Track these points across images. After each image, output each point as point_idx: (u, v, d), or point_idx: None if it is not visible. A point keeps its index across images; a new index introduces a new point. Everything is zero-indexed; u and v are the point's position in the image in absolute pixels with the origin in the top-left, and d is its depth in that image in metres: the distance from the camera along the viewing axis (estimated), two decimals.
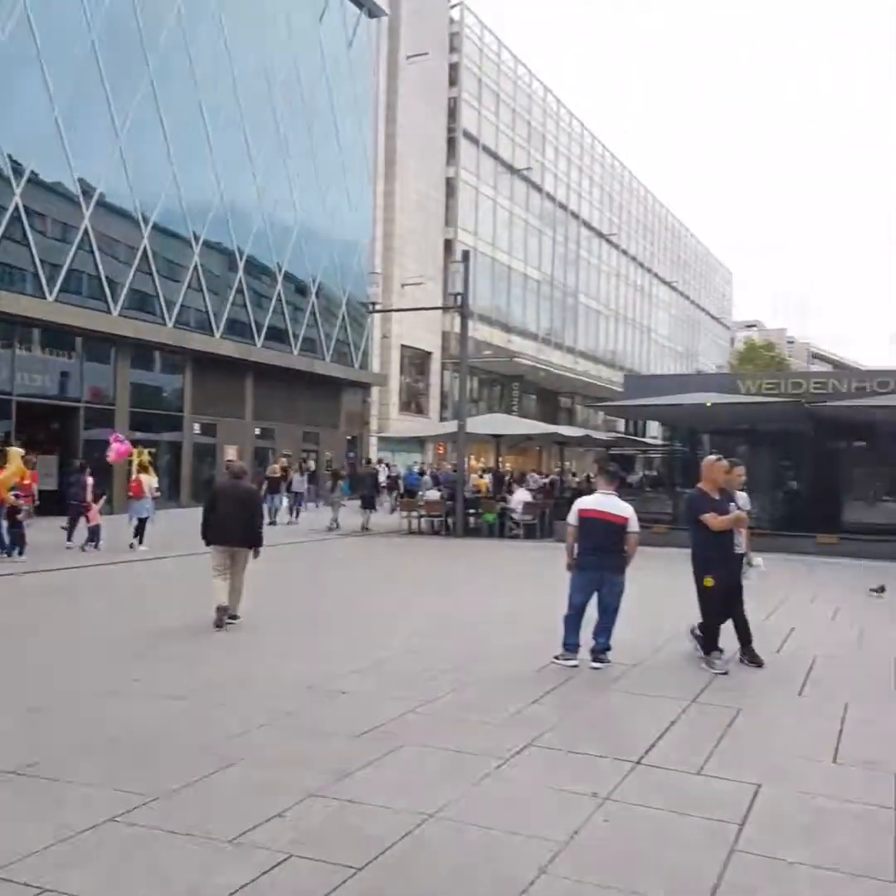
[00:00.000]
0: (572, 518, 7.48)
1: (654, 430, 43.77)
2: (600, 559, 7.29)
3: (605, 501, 7.40)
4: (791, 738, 5.48)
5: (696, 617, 7.51)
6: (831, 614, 10.39)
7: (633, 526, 7.37)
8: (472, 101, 41.90)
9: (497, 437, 24.63)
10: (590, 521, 7.33)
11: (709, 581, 7.15)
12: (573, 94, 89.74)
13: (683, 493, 23.90)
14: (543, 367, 44.97)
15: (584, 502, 7.57)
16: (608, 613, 7.35)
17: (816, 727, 5.72)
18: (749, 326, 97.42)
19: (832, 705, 6.19)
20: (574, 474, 37.80)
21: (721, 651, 7.21)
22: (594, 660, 7.21)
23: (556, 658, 7.24)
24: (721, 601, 7.23)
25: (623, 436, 41.84)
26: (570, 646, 7.27)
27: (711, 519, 7.14)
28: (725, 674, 6.94)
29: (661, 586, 11.90)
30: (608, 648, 7.30)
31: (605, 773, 4.68)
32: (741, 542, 7.45)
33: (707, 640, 7.28)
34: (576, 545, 7.40)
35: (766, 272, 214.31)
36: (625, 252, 59.45)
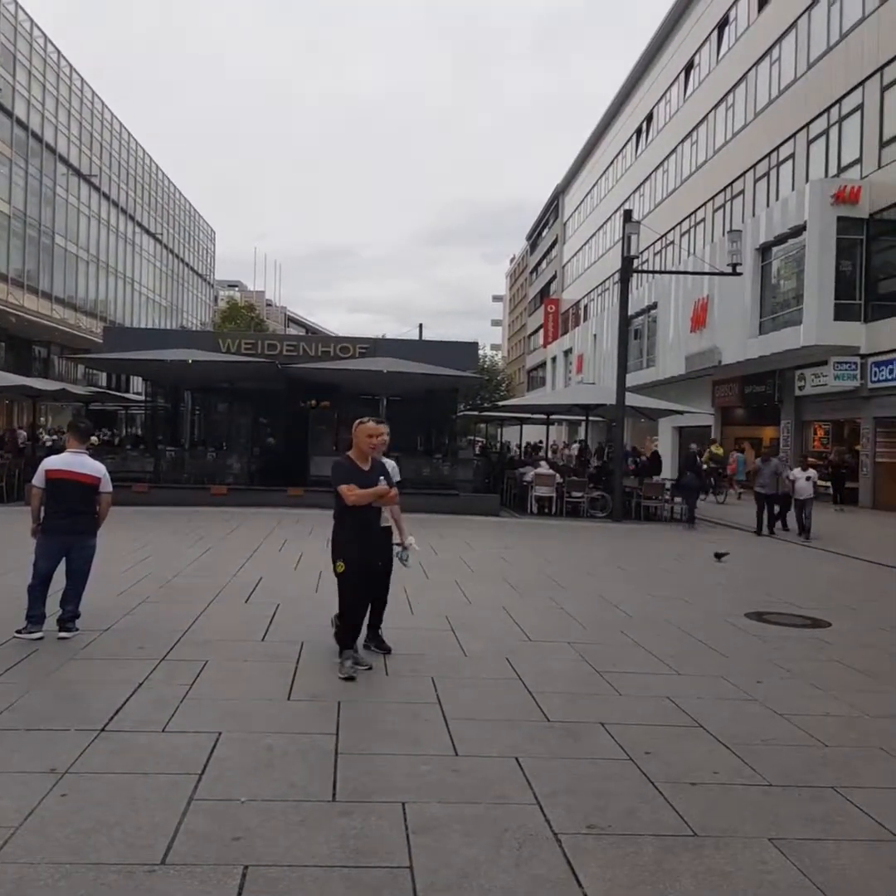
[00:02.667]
0: (39, 479, 7.05)
1: (137, 385, 42.50)
2: (70, 522, 7.02)
3: (74, 460, 7.12)
4: (252, 683, 5.88)
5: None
6: (295, 562, 11.24)
7: (106, 486, 7.20)
8: None
9: None
10: (58, 482, 7.00)
11: (340, 566, 6.26)
12: (51, 18, 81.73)
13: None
14: (14, 311, 40.90)
15: (51, 462, 7.16)
16: (78, 579, 7.11)
17: (276, 668, 6.20)
18: (232, 286, 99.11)
19: (291, 647, 6.77)
20: (58, 432, 35.23)
21: (356, 651, 6.36)
22: (62, 629, 6.92)
23: (19, 632, 6.81)
24: (357, 589, 6.33)
25: (105, 390, 40.07)
26: (35, 617, 6.88)
27: (347, 491, 6.18)
28: (352, 679, 6.00)
29: (137, 547, 11.80)
30: (77, 616, 7.06)
31: (66, 747, 4.56)
32: (388, 517, 6.72)
33: (342, 634, 6.39)
34: (42, 508, 7.03)
35: (249, 236, 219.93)
36: (107, 196, 56.25)
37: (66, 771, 4.27)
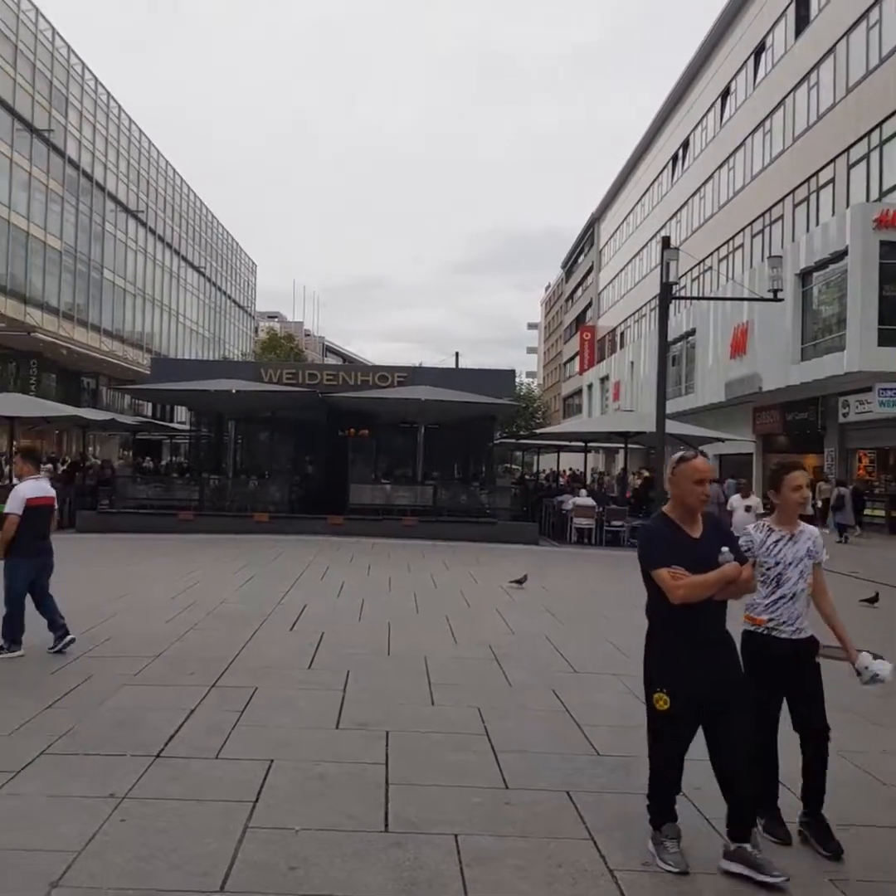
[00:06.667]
0: (19, 506, 7.24)
1: (182, 414, 43.11)
2: (45, 544, 7.47)
3: (43, 487, 7.56)
4: (301, 711, 5.93)
5: None
6: (337, 590, 11.32)
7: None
8: None
9: (11, 419, 22.66)
10: (45, 508, 7.45)
11: (661, 701, 3.85)
12: (100, 60, 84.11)
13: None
14: (65, 343, 41.78)
15: (29, 489, 7.39)
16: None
17: (324, 696, 6.24)
18: (271, 317, 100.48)
19: (337, 675, 6.81)
20: (107, 461, 35.74)
21: (675, 824, 3.95)
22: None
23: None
24: (680, 737, 3.92)
25: (150, 420, 40.71)
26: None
27: (669, 580, 3.75)
28: (685, 873, 3.75)
29: (184, 573, 11.95)
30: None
31: (124, 772, 4.65)
32: (805, 624, 4.15)
33: (652, 800, 4.00)
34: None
35: (287, 268, 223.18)
36: (153, 231, 57.47)
37: (124, 796, 4.35)
